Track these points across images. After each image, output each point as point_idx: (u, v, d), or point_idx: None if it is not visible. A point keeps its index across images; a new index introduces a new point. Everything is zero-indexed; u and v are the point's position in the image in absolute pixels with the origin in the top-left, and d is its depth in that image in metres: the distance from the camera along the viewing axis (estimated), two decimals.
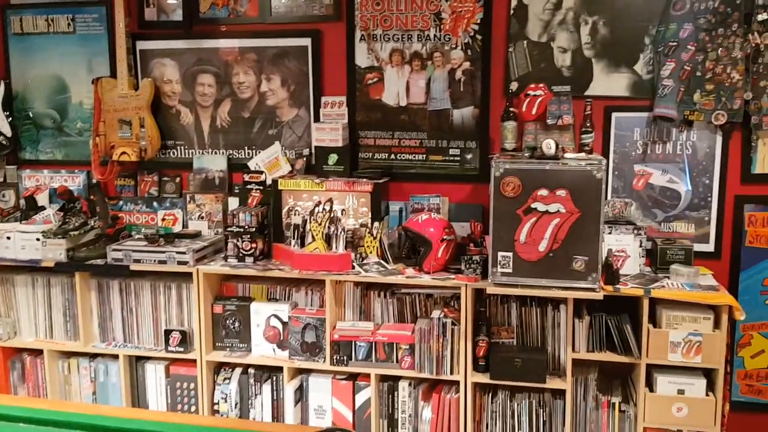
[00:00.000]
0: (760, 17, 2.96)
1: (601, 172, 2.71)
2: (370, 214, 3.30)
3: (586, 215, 2.74)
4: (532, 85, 3.10)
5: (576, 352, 2.98)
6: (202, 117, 3.68)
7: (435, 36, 3.32)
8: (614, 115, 3.20)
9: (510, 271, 2.85)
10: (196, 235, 3.53)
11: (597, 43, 3.17)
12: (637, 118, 3.19)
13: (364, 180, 3.31)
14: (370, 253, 3.25)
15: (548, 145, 2.80)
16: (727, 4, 2.98)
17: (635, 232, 3.04)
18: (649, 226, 3.16)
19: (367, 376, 3.18)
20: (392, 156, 3.48)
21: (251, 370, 3.32)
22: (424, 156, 3.44)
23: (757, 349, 3.26)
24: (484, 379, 3.07)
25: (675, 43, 3.03)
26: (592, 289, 2.80)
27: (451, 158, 3.41)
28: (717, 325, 2.85)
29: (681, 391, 2.91)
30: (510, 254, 2.84)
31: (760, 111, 3.03)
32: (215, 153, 3.68)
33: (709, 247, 3.21)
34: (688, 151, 3.16)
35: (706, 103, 3.06)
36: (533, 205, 2.78)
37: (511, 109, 3.09)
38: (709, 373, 2.91)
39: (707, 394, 2.89)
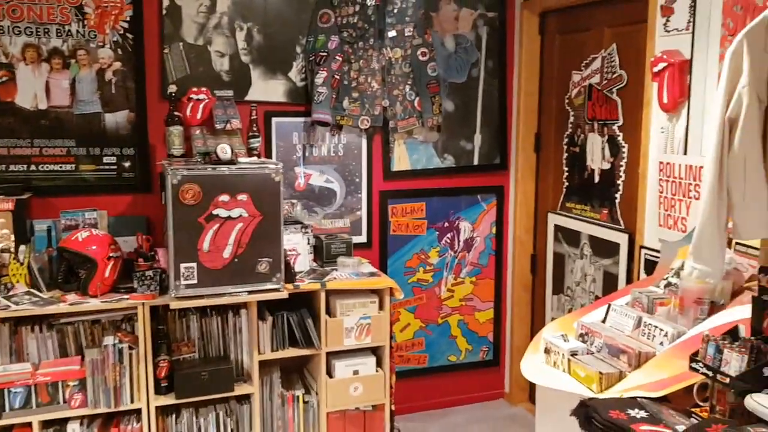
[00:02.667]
0: (389, 34, 3.39)
1: (279, 174, 2.78)
2: (12, 236, 2.80)
3: (267, 218, 2.79)
4: (195, 89, 3.02)
5: (261, 354, 3.01)
6: None
7: (78, 32, 2.97)
8: (274, 119, 3.31)
9: (195, 282, 2.73)
10: None
11: (253, 50, 3.23)
12: (295, 122, 3.35)
13: (1, 197, 2.80)
14: (18, 282, 2.77)
15: (224, 150, 2.76)
16: (364, 20, 3.34)
17: (303, 230, 3.19)
18: (314, 224, 3.36)
19: (28, 425, 2.71)
20: (33, 167, 3.01)
21: None
22: (73, 166, 3.06)
23: (404, 324, 3.74)
24: (169, 400, 2.89)
25: (325, 54, 3.27)
26: (278, 289, 2.87)
27: (107, 167, 3.10)
28: (381, 306, 3.19)
29: (356, 372, 3.17)
30: (194, 264, 2.72)
31: (395, 116, 3.47)
32: None
33: (363, 239, 3.56)
34: (341, 153, 3.46)
35: (353, 109, 3.38)
36: (215, 212, 2.71)
37: (176, 113, 2.96)
38: (376, 351, 3.24)
39: (377, 370, 3.21)
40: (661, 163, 2.64)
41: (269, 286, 2.84)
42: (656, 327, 2.11)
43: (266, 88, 3.27)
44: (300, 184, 3.40)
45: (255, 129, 3.03)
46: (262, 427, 3.08)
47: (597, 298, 3.21)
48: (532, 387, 3.93)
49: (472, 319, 3.89)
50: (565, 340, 2.20)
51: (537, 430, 2.31)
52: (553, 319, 3.65)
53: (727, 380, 1.70)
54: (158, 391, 2.88)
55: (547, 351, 2.23)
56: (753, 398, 1.65)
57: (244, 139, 3.04)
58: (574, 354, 2.13)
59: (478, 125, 3.68)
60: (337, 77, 3.30)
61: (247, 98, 3.23)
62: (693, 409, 1.85)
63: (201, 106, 3.00)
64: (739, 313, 2.00)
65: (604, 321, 2.31)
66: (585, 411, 1.88)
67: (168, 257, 2.74)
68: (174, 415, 2.97)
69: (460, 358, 3.90)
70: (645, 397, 1.89)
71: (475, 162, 3.72)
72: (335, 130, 3.41)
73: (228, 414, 3.05)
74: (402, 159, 3.57)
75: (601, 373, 2.00)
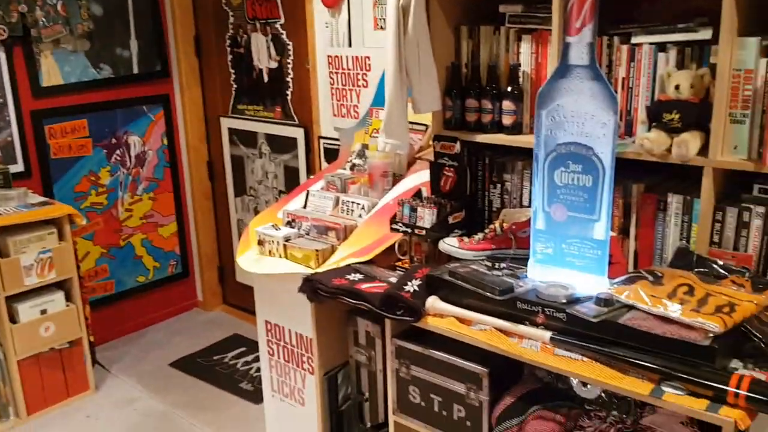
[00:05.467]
0: None
1: None
2: None
3: None
4: None
5: None
6: None
7: None
8: None
9: None
10: None
11: None
12: None
13: None
14: None
15: None
16: None
17: None
18: None
19: None
20: None
21: None
22: None
23: (83, 253, 3.47)
24: None
25: None
26: None
27: None
28: (61, 236, 2.92)
29: (44, 311, 2.90)
30: None
31: (37, 24, 3.05)
32: None
33: (20, 167, 3.15)
34: None
35: None
36: None
37: None
38: (63, 284, 2.98)
39: (68, 305, 2.98)
40: (329, 56, 2.85)
41: None
42: (353, 202, 2.36)
43: None
44: None
45: None
46: None
47: (281, 192, 3.40)
48: (224, 290, 4.05)
49: (156, 235, 3.79)
50: (276, 229, 2.33)
51: (258, 318, 2.44)
52: (240, 221, 3.76)
53: (424, 232, 2.03)
54: None
55: (260, 243, 2.34)
56: (444, 242, 2.00)
57: None
58: (288, 239, 2.27)
59: (132, 30, 3.45)
60: None
61: None
62: (396, 264, 2.16)
63: None
64: (417, 179, 2.34)
65: (305, 207, 2.49)
66: (311, 285, 2.06)
67: None
68: None
69: (149, 277, 3.80)
70: (357, 263, 2.14)
71: (135, 71, 3.50)
72: None
73: None
74: (52, 73, 3.19)
75: (316, 250, 2.19)
